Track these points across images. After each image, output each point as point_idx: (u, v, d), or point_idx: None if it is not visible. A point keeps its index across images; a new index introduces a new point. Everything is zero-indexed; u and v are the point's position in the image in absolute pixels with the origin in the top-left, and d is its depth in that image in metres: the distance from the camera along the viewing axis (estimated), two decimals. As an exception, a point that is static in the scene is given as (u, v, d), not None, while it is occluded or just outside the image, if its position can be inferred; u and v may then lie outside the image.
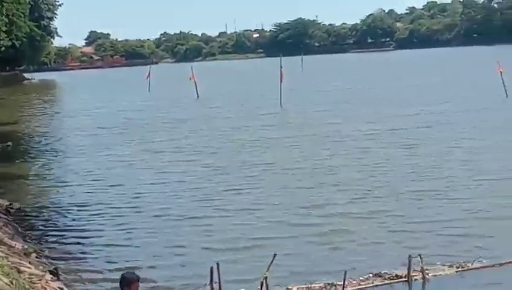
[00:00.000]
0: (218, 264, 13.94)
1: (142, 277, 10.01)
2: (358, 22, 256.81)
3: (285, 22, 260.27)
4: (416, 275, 14.86)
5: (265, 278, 14.04)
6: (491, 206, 20.45)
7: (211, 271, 13.86)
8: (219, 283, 13.92)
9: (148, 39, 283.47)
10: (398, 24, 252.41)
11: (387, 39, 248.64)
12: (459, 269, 15.33)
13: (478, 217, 19.46)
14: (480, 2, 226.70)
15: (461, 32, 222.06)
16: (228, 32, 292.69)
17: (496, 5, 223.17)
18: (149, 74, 79.96)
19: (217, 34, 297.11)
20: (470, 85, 63.53)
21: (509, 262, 15.43)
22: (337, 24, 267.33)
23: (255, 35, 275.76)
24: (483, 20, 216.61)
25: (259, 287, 14.14)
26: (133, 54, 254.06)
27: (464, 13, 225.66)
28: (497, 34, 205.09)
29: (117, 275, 11.16)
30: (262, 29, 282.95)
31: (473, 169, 25.97)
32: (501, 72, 50.75)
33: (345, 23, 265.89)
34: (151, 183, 26.65)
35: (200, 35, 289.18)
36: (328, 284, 14.76)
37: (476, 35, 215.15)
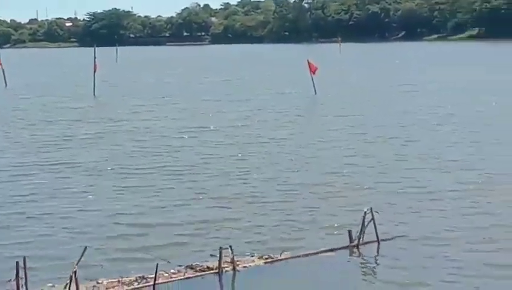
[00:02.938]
0: (24, 258, 13.47)
1: None
2: (174, 15, 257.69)
3: (100, 11, 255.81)
4: (227, 267, 15.12)
5: (75, 272, 13.69)
6: (300, 202, 21.18)
7: (16, 266, 13.36)
8: (25, 278, 13.45)
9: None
10: (213, 19, 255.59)
11: (203, 33, 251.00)
12: (268, 260, 15.76)
13: (282, 211, 19.98)
14: (292, 2, 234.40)
15: (273, 29, 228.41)
16: (39, 19, 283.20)
17: (306, 5, 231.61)
18: None
19: (27, 20, 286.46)
20: (283, 81, 65.45)
21: (313, 253, 16.13)
22: (152, 16, 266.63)
23: (68, 24, 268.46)
24: (294, 18, 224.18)
25: (67, 281, 13.77)
26: None
27: (276, 11, 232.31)
28: (307, 33, 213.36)
29: None
30: (76, 18, 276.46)
31: (278, 163, 26.85)
32: (312, 70, 52.59)
33: (161, 16, 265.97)
34: None
35: (8, 21, 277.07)
36: (140, 277, 14.67)
37: (287, 33, 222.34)
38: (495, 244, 16.62)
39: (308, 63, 52.55)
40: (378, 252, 16.47)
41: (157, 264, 14.26)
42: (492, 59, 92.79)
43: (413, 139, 31.10)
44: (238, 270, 15.17)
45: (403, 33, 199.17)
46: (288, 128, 35.98)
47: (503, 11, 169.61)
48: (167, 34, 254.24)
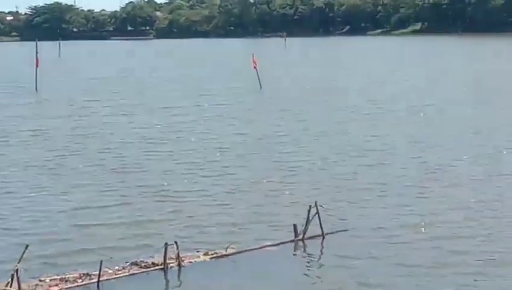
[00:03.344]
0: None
1: None
2: (118, 9, 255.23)
3: (42, 5, 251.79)
4: (172, 263, 15.06)
5: (16, 270, 13.47)
6: (245, 199, 21.23)
7: None
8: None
9: None
10: (158, 13, 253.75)
11: (148, 28, 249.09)
12: (214, 256, 15.75)
13: (227, 207, 20.00)
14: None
15: (219, 24, 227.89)
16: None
17: (251, 0, 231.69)
18: None
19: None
20: (228, 77, 65.43)
21: (258, 248, 16.19)
22: (96, 10, 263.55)
23: (9, 18, 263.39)
24: (240, 13, 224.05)
25: (9, 280, 13.54)
26: None
27: (221, 6, 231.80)
28: (252, 27, 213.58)
29: None
30: (17, 11, 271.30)
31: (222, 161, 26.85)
32: (255, 65, 52.66)
33: (105, 10, 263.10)
34: None
35: None
36: (83, 274, 14.52)
37: (232, 27, 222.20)
38: (437, 239, 16.87)
39: (253, 57, 52.69)
40: (322, 245, 16.61)
41: (101, 261, 14.14)
42: (433, 53, 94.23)
43: (356, 134, 31.35)
44: (184, 266, 15.14)
45: (347, 28, 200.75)
46: (233, 124, 35.94)
47: (444, 6, 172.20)
48: (111, 29, 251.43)
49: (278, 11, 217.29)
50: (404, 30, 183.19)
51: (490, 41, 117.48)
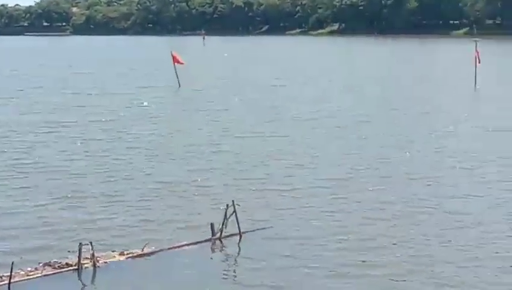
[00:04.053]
0: None
1: None
2: (33, 4, 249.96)
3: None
4: (86, 263, 14.80)
5: None
6: (162, 199, 21.09)
7: None
8: None
9: None
10: (75, 9, 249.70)
11: (64, 24, 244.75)
12: (129, 256, 15.56)
13: (144, 208, 19.81)
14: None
15: (137, 21, 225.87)
16: None
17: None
18: None
19: None
20: (147, 75, 64.77)
21: (174, 247, 16.10)
22: (10, 5, 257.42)
23: None
24: (158, 10, 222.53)
25: None
26: None
27: (139, 3, 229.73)
28: (171, 25, 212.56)
29: None
30: None
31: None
32: (176, 62, 52.23)
33: (19, 5, 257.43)
34: None
35: None
36: (-7, 276, 14.13)
37: (151, 25, 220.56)
38: (352, 241, 17.11)
39: (172, 55, 52.36)
40: (239, 244, 16.63)
41: (12, 262, 13.77)
42: (351, 54, 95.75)
43: (277, 135, 31.40)
44: (99, 266, 14.90)
45: (266, 27, 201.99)
46: (151, 123, 35.51)
47: (361, 7, 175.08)
48: (25, 24, 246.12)
49: (197, 9, 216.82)
50: (322, 30, 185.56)
51: (402, 43, 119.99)
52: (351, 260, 15.62)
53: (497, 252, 16.00)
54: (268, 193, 21.10)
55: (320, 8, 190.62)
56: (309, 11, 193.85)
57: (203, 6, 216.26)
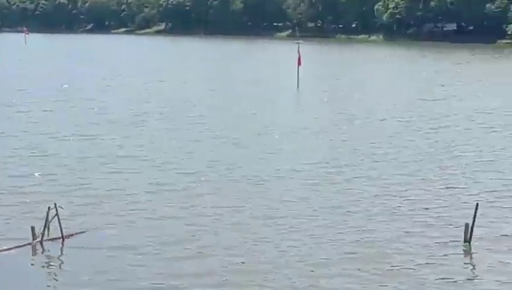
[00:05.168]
0: None
1: None
2: None
3: None
4: None
5: None
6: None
7: None
8: None
9: None
10: None
11: None
12: None
13: None
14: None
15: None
16: None
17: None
18: None
19: None
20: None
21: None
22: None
23: None
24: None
25: None
26: None
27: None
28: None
29: None
30: None
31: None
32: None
33: None
34: None
35: None
36: None
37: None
38: (196, 249, 17.19)
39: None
40: (62, 247, 16.33)
41: None
42: (180, 54, 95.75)
43: (104, 137, 30.82)
44: None
45: (91, 25, 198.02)
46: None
47: (187, 7, 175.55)
48: None
49: (17, 5, 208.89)
50: (149, 30, 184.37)
51: (227, 44, 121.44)
52: (169, 257, 15.80)
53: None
54: (93, 198, 20.78)
55: (146, 7, 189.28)
56: (135, 9, 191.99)
57: (24, 2, 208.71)
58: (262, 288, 14.48)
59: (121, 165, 25.13)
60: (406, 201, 20.40)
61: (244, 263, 15.66)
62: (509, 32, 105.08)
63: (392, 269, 15.33)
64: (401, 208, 19.70)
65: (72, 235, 16.85)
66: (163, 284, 14.59)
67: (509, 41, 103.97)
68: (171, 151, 27.49)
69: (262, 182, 22.52)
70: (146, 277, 14.89)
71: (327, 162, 25.40)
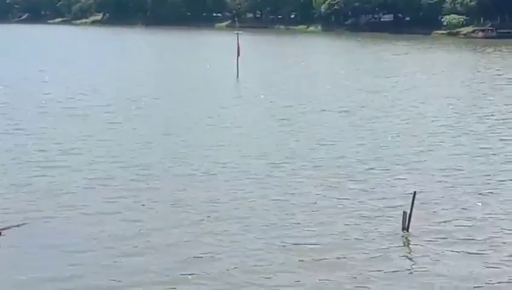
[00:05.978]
0: None
1: None
2: None
3: None
4: None
5: None
6: None
7: None
8: None
9: None
10: None
11: None
12: None
13: None
14: None
15: None
16: None
17: None
18: None
19: None
20: None
21: None
22: None
23: None
24: None
25: None
26: None
27: None
28: None
29: None
30: None
31: None
32: None
33: None
34: None
35: None
36: None
37: None
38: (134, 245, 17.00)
39: None
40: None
41: None
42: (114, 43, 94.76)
43: (44, 131, 30.35)
44: None
45: (26, 15, 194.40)
46: None
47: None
48: None
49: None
50: (86, 20, 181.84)
51: (165, 34, 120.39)
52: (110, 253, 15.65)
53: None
54: (31, 193, 20.36)
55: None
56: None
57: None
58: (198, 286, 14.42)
59: (58, 159, 24.71)
60: (346, 193, 20.53)
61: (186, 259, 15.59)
62: (445, 24, 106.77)
63: (332, 262, 15.39)
64: (341, 200, 19.79)
65: (8, 228, 16.58)
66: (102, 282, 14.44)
67: (445, 32, 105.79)
68: (111, 146, 27.12)
69: (204, 176, 22.44)
70: (84, 275, 14.73)
71: (265, 156, 25.34)
